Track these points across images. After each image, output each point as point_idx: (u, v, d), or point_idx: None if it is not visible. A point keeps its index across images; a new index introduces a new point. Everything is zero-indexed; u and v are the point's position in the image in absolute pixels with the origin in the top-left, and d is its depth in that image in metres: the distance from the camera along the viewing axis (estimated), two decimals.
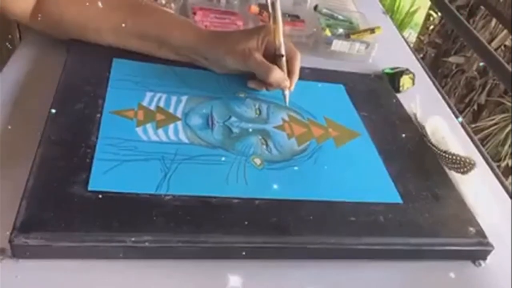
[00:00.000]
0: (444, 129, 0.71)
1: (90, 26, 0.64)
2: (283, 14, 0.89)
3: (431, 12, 2.52)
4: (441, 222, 0.56)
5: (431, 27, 2.51)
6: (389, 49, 0.92)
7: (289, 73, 0.66)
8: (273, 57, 0.66)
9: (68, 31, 0.65)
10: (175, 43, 0.66)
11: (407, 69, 0.84)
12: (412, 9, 3.20)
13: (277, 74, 0.64)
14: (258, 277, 0.47)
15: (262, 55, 0.66)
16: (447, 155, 0.65)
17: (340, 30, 0.90)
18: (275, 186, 0.54)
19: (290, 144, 0.61)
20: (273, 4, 0.65)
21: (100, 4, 0.63)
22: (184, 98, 0.63)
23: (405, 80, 0.82)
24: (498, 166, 1.96)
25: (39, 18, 0.64)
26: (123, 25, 0.64)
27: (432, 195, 0.59)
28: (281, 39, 0.65)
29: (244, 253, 0.48)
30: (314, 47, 0.87)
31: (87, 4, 0.63)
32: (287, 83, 0.65)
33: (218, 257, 0.48)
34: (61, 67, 0.62)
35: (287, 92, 0.66)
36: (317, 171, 0.58)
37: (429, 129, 0.70)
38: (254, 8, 0.86)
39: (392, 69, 0.84)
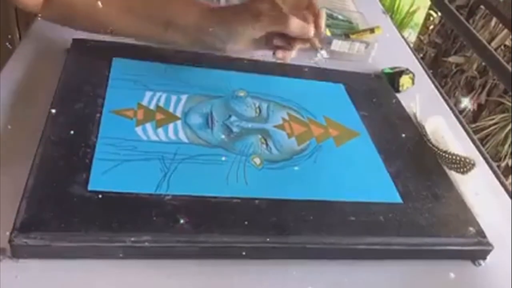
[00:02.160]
0: (444, 129, 0.71)
1: (99, 12, 0.62)
2: None
3: (431, 12, 2.52)
4: (441, 222, 0.56)
5: (431, 27, 2.51)
6: (389, 49, 0.92)
7: (313, 16, 0.61)
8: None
9: (77, 19, 0.64)
10: (180, 22, 0.62)
11: (407, 69, 0.84)
12: (412, 9, 3.20)
13: (295, 22, 0.59)
14: (258, 277, 0.48)
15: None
16: (447, 155, 0.65)
17: (340, 30, 0.90)
18: (275, 186, 0.54)
19: (290, 143, 0.61)
20: None
21: None
22: (183, 97, 0.63)
23: (404, 80, 0.82)
24: (498, 166, 1.96)
25: (49, 8, 0.63)
26: (131, 6, 0.62)
27: (432, 195, 0.59)
28: None
29: (244, 253, 0.48)
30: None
31: None
32: (309, 28, 0.60)
33: (218, 257, 0.47)
34: (61, 67, 0.62)
35: (323, 51, 0.62)
36: (317, 170, 0.58)
37: (429, 129, 0.70)
38: None
39: (391, 69, 0.84)
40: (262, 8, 0.60)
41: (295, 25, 0.59)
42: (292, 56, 0.64)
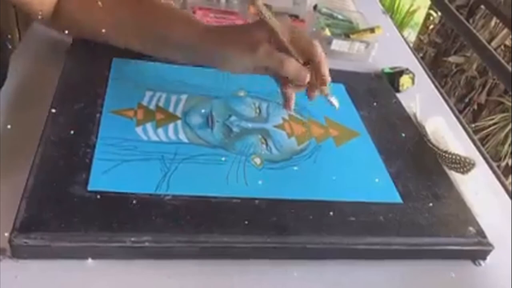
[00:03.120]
0: (444, 129, 0.71)
1: (100, 27, 0.64)
2: (283, 14, 0.90)
3: (431, 11, 2.52)
4: (441, 222, 0.56)
5: (431, 26, 2.51)
6: (389, 48, 0.92)
7: (316, 64, 0.56)
8: (285, 51, 0.56)
9: (82, 33, 0.66)
10: (176, 41, 0.62)
11: (407, 69, 0.84)
12: (412, 8, 3.20)
13: (292, 66, 0.54)
14: (258, 277, 0.48)
15: (274, 47, 0.56)
16: (447, 155, 0.65)
17: (340, 30, 0.90)
18: (275, 186, 0.54)
19: (290, 143, 0.61)
20: (267, 21, 0.54)
21: (105, 1, 0.62)
22: (183, 97, 0.63)
23: (405, 80, 0.82)
24: (498, 166, 1.97)
25: (57, 21, 0.65)
26: (129, 23, 0.63)
27: (432, 195, 0.59)
28: (293, 52, 0.55)
29: (244, 253, 0.48)
30: None
31: (95, 6, 0.62)
32: (306, 73, 0.55)
33: (218, 257, 0.47)
34: (61, 67, 0.62)
35: (328, 92, 0.56)
36: (317, 170, 0.58)
37: (429, 129, 0.70)
38: (254, 8, 0.86)
39: (392, 68, 0.84)
40: (261, 38, 0.56)
41: (291, 68, 0.55)
42: (292, 105, 0.59)
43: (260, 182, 0.54)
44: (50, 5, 0.64)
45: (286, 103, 0.59)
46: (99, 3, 0.62)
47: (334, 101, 0.57)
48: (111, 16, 0.63)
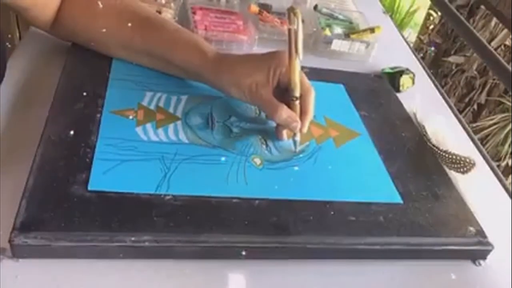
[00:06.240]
0: (444, 129, 0.71)
1: (100, 41, 0.64)
2: (282, 15, 0.90)
3: (431, 11, 2.52)
4: (441, 222, 0.56)
5: (431, 26, 2.51)
6: (389, 48, 0.92)
7: (301, 113, 0.60)
8: (285, 90, 0.59)
9: (83, 43, 0.66)
10: (179, 64, 0.63)
11: (407, 69, 0.84)
12: (412, 8, 3.20)
13: (284, 114, 0.58)
14: (258, 277, 0.48)
15: (272, 90, 0.59)
16: (447, 155, 0.65)
17: (340, 30, 0.90)
18: (275, 186, 0.54)
19: (290, 144, 0.61)
20: (291, 32, 0.55)
21: (109, 19, 0.62)
22: (184, 98, 0.63)
23: (405, 80, 0.82)
24: (498, 166, 1.97)
25: (57, 30, 0.66)
26: (131, 41, 0.63)
27: (432, 195, 0.59)
28: (297, 79, 0.58)
29: (244, 253, 0.48)
30: (314, 47, 0.87)
31: (97, 20, 0.62)
32: (297, 124, 0.59)
33: (218, 257, 0.48)
34: (61, 67, 0.62)
35: (297, 138, 0.60)
36: (317, 171, 0.58)
37: (429, 129, 0.70)
38: (254, 8, 0.86)
39: (392, 68, 0.84)
40: (260, 82, 0.59)
41: (284, 117, 0.58)
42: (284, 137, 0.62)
43: (260, 182, 0.54)
44: (51, 13, 0.64)
45: (278, 134, 0.62)
46: (108, 18, 0.62)
47: (297, 143, 0.60)
48: (116, 34, 0.63)
